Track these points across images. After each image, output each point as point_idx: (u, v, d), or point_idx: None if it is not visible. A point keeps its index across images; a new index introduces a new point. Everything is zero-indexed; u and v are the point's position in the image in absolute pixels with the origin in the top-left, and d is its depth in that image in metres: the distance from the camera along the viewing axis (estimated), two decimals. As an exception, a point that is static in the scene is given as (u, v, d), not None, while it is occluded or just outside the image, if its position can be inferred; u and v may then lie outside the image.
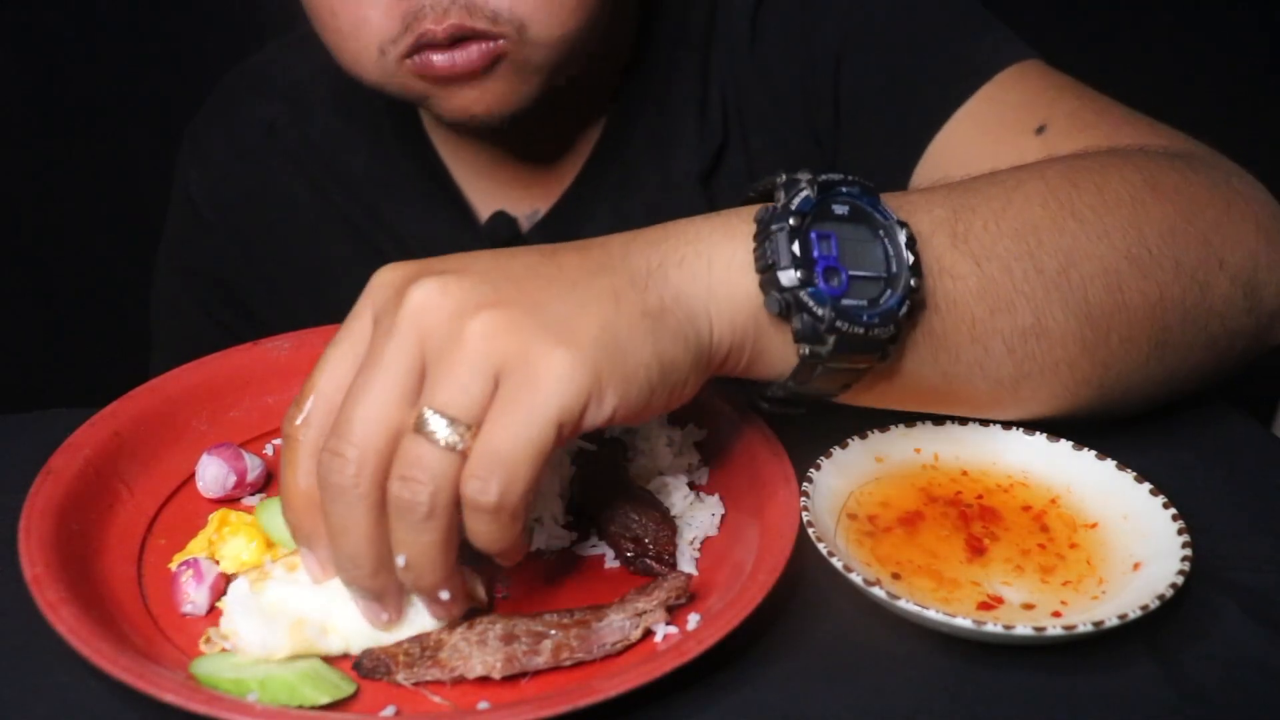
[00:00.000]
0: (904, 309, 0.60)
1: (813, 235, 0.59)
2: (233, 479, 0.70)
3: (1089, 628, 0.57)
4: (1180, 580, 0.60)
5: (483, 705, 0.55)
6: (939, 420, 0.72)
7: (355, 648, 0.58)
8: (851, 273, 0.59)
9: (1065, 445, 0.70)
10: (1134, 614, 0.57)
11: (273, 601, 0.58)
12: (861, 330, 0.59)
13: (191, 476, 0.71)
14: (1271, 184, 0.80)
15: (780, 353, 0.61)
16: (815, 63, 0.93)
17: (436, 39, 0.77)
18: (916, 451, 0.71)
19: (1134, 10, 1.72)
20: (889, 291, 0.60)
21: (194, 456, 0.71)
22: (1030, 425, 0.71)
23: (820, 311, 0.58)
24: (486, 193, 0.98)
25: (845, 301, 0.59)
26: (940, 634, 0.59)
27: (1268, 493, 0.73)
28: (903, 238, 0.61)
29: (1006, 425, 0.71)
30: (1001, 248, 0.64)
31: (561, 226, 0.96)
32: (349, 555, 0.55)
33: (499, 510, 0.52)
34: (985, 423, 0.72)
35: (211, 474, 0.70)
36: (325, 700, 0.55)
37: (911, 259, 0.60)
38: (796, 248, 0.58)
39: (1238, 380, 0.78)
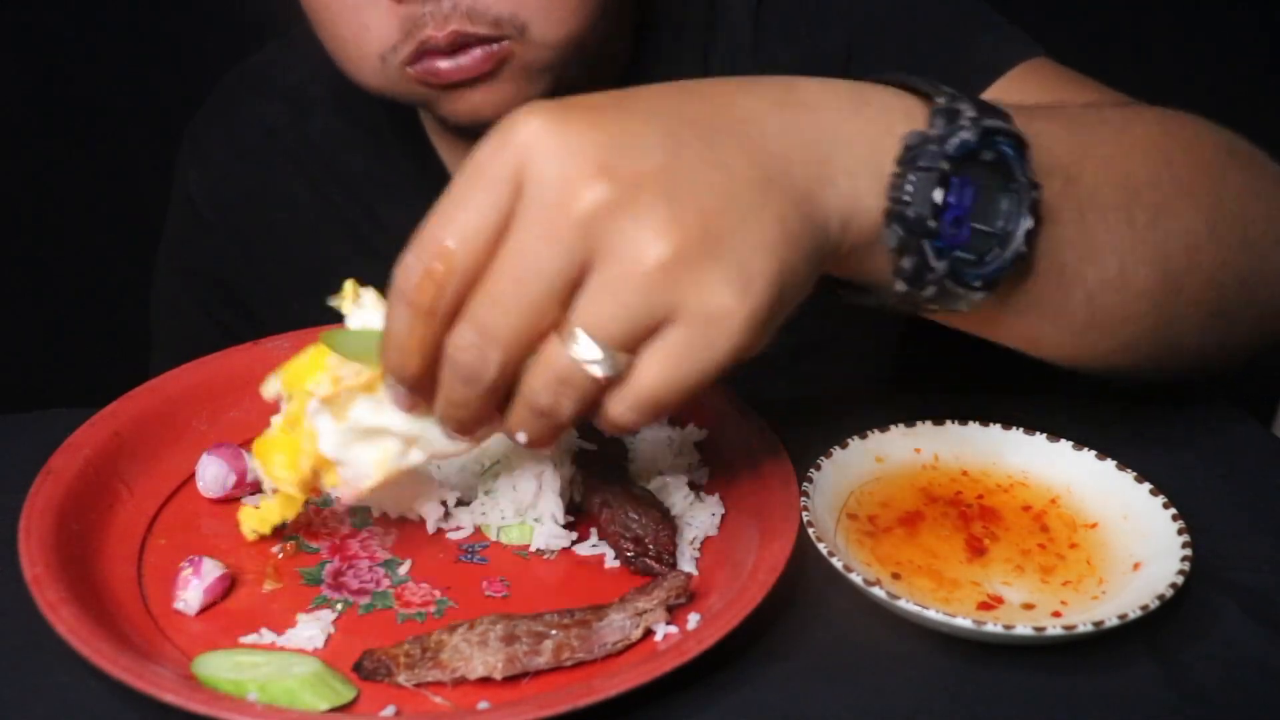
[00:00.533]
0: (1007, 271, 0.59)
1: (954, 181, 0.56)
2: (233, 479, 0.70)
3: (1089, 628, 0.57)
4: (1180, 580, 0.60)
5: (483, 705, 0.55)
6: (939, 420, 0.72)
7: (438, 456, 0.61)
8: (974, 226, 0.57)
9: (1065, 445, 0.70)
10: (1134, 614, 0.57)
11: (360, 424, 0.60)
12: (963, 290, 0.58)
13: (191, 476, 0.71)
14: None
15: (877, 272, 0.58)
16: (820, 63, 0.93)
17: (439, 45, 0.77)
18: (916, 451, 0.71)
19: (1134, 10, 1.72)
20: (998, 250, 0.58)
21: (194, 456, 0.71)
22: (1030, 425, 0.71)
23: (935, 264, 0.56)
24: None
25: (958, 254, 0.57)
26: (940, 634, 0.59)
27: (1268, 493, 0.73)
28: (1030, 200, 0.58)
29: (1007, 425, 0.71)
30: (1103, 197, 0.63)
31: None
32: (458, 424, 0.56)
33: (636, 429, 0.54)
34: (985, 423, 0.72)
35: (211, 474, 0.70)
36: (325, 707, 0.55)
37: (1031, 224, 0.58)
38: (938, 195, 0.55)
39: (1238, 380, 0.78)
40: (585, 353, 0.50)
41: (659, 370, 0.51)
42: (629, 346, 0.50)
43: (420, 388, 0.55)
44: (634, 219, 0.49)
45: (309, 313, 0.86)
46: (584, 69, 0.85)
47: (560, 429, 0.54)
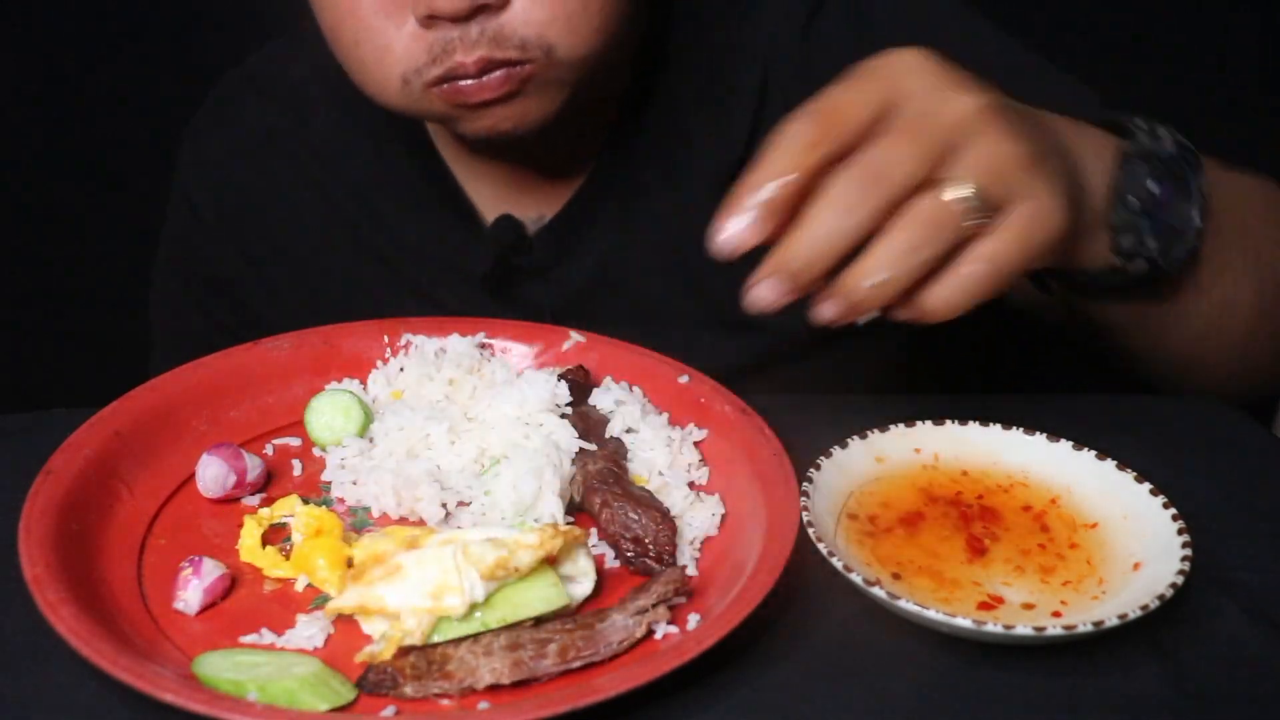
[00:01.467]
0: (1184, 262, 0.74)
1: (1161, 179, 0.71)
2: (233, 479, 0.70)
3: (1089, 628, 0.57)
4: (1180, 580, 0.60)
5: (483, 705, 0.55)
6: (939, 420, 0.72)
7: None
8: (1167, 220, 0.72)
9: (1065, 445, 0.70)
10: (1134, 614, 0.57)
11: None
12: (1162, 269, 0.72)
13: (191, 476, 0.71)
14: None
15: (1091, 250, 0.71)
16: None
17: (467, 71, 0.77)
18: (916, 451, 0.71)
19: (1134, 11, 1.72)
20: (1179, 244, 0.73)
21: (194, 456, 0.71)
22: (1030, 425, 0.71)
23: (1148, 241, 0.71)
24: (491, 197, 0.98)
25: (1160, 239, 0.71)
26: (940, 634, 0.59)
27: (1268, 493, 0.73)
28: (1202, 207, 0.73)
29: (1007, 425, 0.71)
30: (1227, 224, 0.77)
31: (568, 231, 0.95)
32: (807, 263, 0.59)
33: (998, 283, 0.60)
34: (985, 423, 0.72)
35: (211, 474, 0.70)
36: (325, 708, 0.55)
37: (1200, 223, 0.73)
38: (1153, 185, 0.71)
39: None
40: (961, 195, 0.58)
41: (1012, 231, 0.60)
42: (990, 207, 0.59)
43: (778, 220, 0.59)
44: (997, 125, 0.60)
45: (309, 312, 0.86)
46: (596, 82, 0.85)
47: (908, 280, 0.59)
